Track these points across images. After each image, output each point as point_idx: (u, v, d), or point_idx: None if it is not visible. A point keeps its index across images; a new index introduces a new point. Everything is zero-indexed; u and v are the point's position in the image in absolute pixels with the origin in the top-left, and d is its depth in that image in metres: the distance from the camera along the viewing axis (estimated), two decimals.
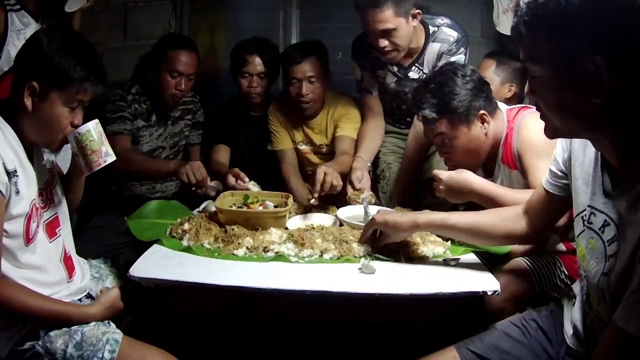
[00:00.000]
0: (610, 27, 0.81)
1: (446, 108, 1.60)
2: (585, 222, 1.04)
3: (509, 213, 1.35)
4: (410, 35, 2.03)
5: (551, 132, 0.97)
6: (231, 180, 1.98)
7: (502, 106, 1.72)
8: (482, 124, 1.63)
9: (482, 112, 1.62)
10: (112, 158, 1.41)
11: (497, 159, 1.68)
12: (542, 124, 0.99)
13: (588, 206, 1.03)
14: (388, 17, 1.94)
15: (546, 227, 1.34)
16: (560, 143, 1.17)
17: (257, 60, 2.33)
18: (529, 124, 1.56)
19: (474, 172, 1.76)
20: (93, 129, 1.37)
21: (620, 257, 0.91)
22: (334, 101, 2.36)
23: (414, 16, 2.01)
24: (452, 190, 1.58)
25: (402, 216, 1.43)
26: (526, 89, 0.97)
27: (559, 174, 1.18)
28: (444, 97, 1.60)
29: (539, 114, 0.98)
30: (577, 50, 0.83)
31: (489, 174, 1.74)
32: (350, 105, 2.35)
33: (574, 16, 0.82)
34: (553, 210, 1.27)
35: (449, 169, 1.69)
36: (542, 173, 1.30)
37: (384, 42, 2.00)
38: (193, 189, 1.93)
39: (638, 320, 0.81)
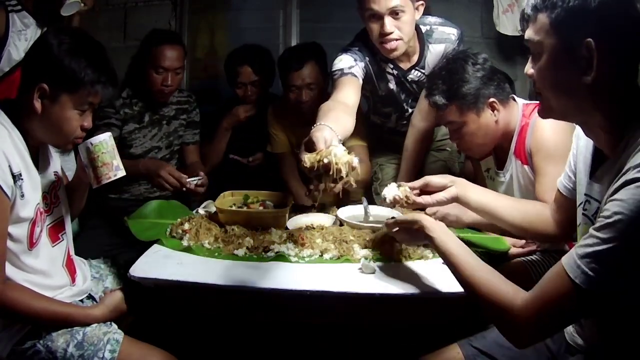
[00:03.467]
0: (605, 15, 0.89)
1: (455, 94, 1.63)
2: (582, 212, 1.07)
3: (535, 210, 1.38)
4: (412, 27, 1.92)
5: (545, 112, 1.04)
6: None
7: (519, 100, 1.73)
8: (492, 111, 1.65)
9: (491, 99, 1.64)
10: (122, 173, 1.40)
11: (509, 152, 1.70)
12: (558, 125, 1.03)
13: (585, 194, 1.07)
14: None
15: (570, 228, 1.32)
16: (572, 143, 1.20)
17: (248, 70, 2.37)
18: (545, 125, 1.56)
19: (484, 158, 1.81)
20: (106, 140, 1.37)
21: None
22: None
23: (417, 8, 1.92)
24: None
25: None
26: (526, 68, 1.03)
27: (573, 178, 1.20)
28: (454, 84, 1.63)
29: None
30: (574, 33, 0.91)
31: (500, 165, 1.76)
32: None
33: (574, 2, 0.91)
34: (572, 211, 1.26)
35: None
36: (549, 179, 1.33)
37: (391, 26, 1.83)
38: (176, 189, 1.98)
39: (575, 263, 0.87)
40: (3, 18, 1.88)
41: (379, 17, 1.84)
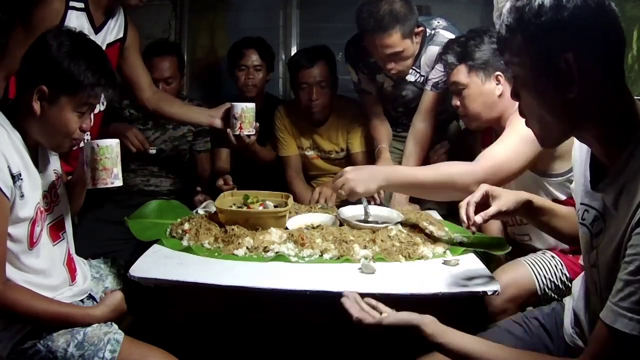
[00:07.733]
0: (578, 26, 0.86)
1: (466, 56, 1.71)
2: (579, 219, 1.06)
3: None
4: (415, 54, 2.06)
5: (542, 139, 1.00)
6: (219, 182, 2.13)
7: None
8: (497, 84, 1.69)
9: (498, 73, 1.68)
10: (119, 182, 1.41)
11: None
12: None
13: (581, 204, 1.05)
14: (395, 41, 1.95)
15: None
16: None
17: (254, 53, 2.45)
18: None
19: (478, 129, 1.85)
20: (112, 146, 1.37)
21: (605, 249, 0.93)
22: (342, 107, 2.37)
23: (417, 34, 2.02)
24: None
25: None
26: (510, 91, 1.02)
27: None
28: (467, 47, 1.71)
29: None
30: (551, 49, 0.88)
31: None
32: (359, 116, 2.36)
33: (546, 18, 0.88)
34: None
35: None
36: (502, 147, 1.54)
37: (391, 65, 2.03)
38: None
39: (625, 317, 0.81)
40: (60, 10, 1.60)
41: (381, 58, 2.03)
